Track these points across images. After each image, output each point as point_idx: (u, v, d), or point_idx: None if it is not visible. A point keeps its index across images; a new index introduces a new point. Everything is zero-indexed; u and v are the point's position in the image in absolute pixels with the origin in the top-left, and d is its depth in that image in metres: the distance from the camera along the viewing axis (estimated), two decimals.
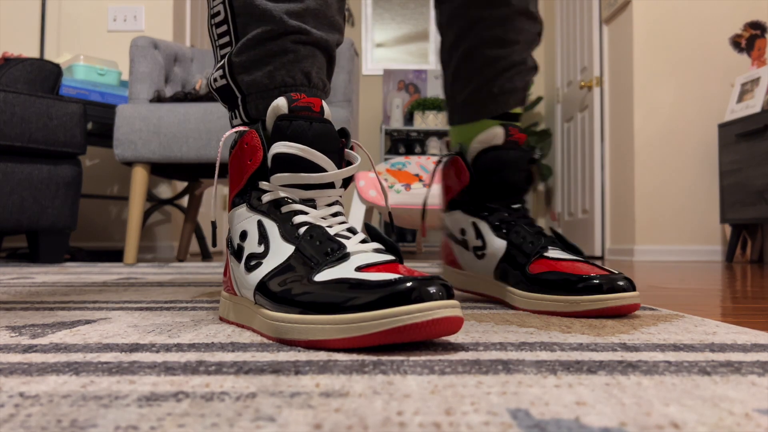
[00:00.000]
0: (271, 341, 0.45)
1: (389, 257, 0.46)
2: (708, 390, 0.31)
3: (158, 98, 1.76)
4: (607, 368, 0.36)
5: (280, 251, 0.48)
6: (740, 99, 2.59)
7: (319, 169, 0.51)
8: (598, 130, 3.25)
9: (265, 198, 0.51)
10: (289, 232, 0.49)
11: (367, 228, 0.51)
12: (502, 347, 0.42)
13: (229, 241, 0.55)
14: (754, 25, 2.81)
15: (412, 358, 0.38)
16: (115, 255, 2.26)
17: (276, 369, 0.35)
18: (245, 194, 0.53)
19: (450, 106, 0.80)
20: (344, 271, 0.44)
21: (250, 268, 0.50)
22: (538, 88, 4.28)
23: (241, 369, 0.35)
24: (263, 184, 0.52)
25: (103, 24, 2.57)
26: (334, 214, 0.51)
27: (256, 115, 0.56)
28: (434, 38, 4.36)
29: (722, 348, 0.43)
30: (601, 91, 3.24)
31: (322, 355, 0.39)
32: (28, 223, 1.70)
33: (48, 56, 2.54)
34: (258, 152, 0.51)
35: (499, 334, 0.48)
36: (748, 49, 2.80)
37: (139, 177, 1.71)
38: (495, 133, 0.70)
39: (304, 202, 0.51)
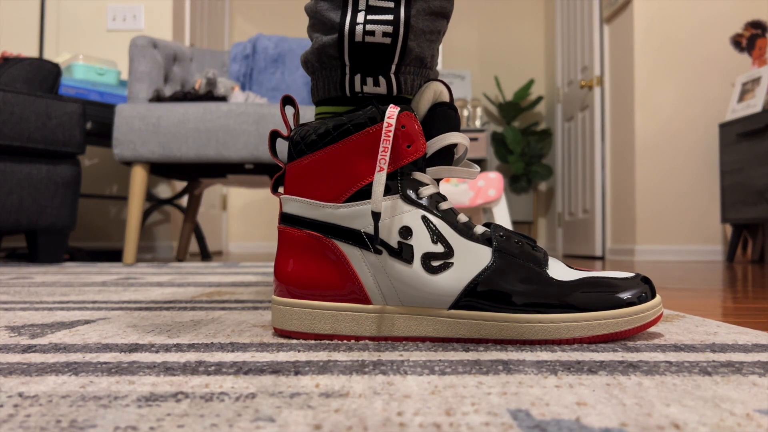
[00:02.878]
0: (271, 342, 0.45)
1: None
2: (709, 390, 0.31)
3: (157, 98, 1.76)
4: (607, 368, 0.36)
5: (472, 251, 0.45)
6: (741, 98, 2.59)
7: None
8: (598, 129, 3.24)
9: (426, 191, 0.46)
10: (465, 231, 0.46)
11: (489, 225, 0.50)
12: (503, 347, 0.42)
13: (370, 237, 0.46)
14: (755, 25, 2.80)
15: (412, 359, 0.38)
16: (114, 255, 2.26)
17: (276, 369, 0.35)
18: (387, 183, 0.46)
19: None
20: (568, 270, 0.47)
21: (434, 270, 0.45)
22: (538, 87, 4.28)
23: (241, 369, 0.35)
24: (420, 176, 0.47)
25: (102, 23, 2.57)
26: None
27: (406, 90, 0.48)
28: None
29: (723, 348, 0.42)
30: (601, 90, 3.24)
31: (321, 356, 0.39)
32: (27, 222, 1.70)
33: (47, 55, 2.54)
34: (420, 139, 0.46)
35: None
36: (749, 48, 2.80)
37: (138, 177, 1.71)
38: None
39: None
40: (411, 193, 0.46)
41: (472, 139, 3.85)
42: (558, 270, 0.47)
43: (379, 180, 0.44)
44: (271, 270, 1.38)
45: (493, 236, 0.46)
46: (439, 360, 0.38)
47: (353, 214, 0.46)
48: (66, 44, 2.55)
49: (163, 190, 2.54)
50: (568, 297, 0.44)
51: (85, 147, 1.84)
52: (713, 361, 0.38)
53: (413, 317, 0.45)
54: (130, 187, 1.71)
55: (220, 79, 1.87)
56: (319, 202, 0.47)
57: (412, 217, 0.45)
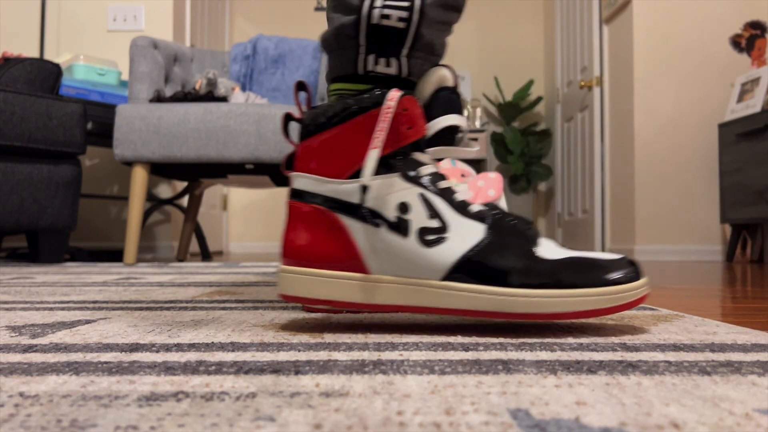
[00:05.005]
0: (271, 342, 0.45)
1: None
2: (708, 390, 0.31)
3: (158, 98, 1.76)
4: (607, 368, 0.36)
5: (466, 227, 0.48)
6: (740, 99, 2.59)
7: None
8: (598, 129, 3.25)
9: (425, 170, 0.49)
10: (461, 208, 0.49)
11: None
12: (502, 347, 0.42)
13: (370, 212, 0.49)
14: (754, 25, 2.81)
15: (412, 358, 0.38)
16: (115, 255, 2.26)
17: (276, 369, 0.35)
18: (388, 162, 0.49)
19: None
20: (558, 249, 0.49)
21: (428, 243, 0.47)
22: (538, 88, 4.28)
23: (241, 369, 0.35)
24: (420, 156, 0.49)
25: (102, 24, 2.57)
26: None
27: (414, 73, 0.51)
28: None
29: (722, 348, 0.42)
30: (601, 90, 3.24)
31: (322, 355, 0.39)
32: (28, 222, 1.70)
33: (48, 56, 2.54)
34: (420, 121, 0.49)
35: (499, 333, 0.48)
36: (748, 48, 2.80)
37: (139, 177, 1.71)
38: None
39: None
40: (410, 172, 0.49)
41: (472, 139, 3.85)
42: (548, 249, 0.48)
43: (372, 156, 0.47)
44: (272, 270, 1.38)
45: (487, 214, 0.49)
46: (439, 360, 0.38)
47: (354, 190, 0.49)
48: (66, 44, 2.55)
49: (164, 190, 2.54)
50: (556, 274, 0.46)
51: (86, 147, 1.85)
52: (712, 360, 0.38)
53: (407, 287, 0.49)
54: (130, 187, 1.71)
55: (220, 80, 1.87)
56: (324, 178, 0.50)
57: (410, 194, 0.48)
